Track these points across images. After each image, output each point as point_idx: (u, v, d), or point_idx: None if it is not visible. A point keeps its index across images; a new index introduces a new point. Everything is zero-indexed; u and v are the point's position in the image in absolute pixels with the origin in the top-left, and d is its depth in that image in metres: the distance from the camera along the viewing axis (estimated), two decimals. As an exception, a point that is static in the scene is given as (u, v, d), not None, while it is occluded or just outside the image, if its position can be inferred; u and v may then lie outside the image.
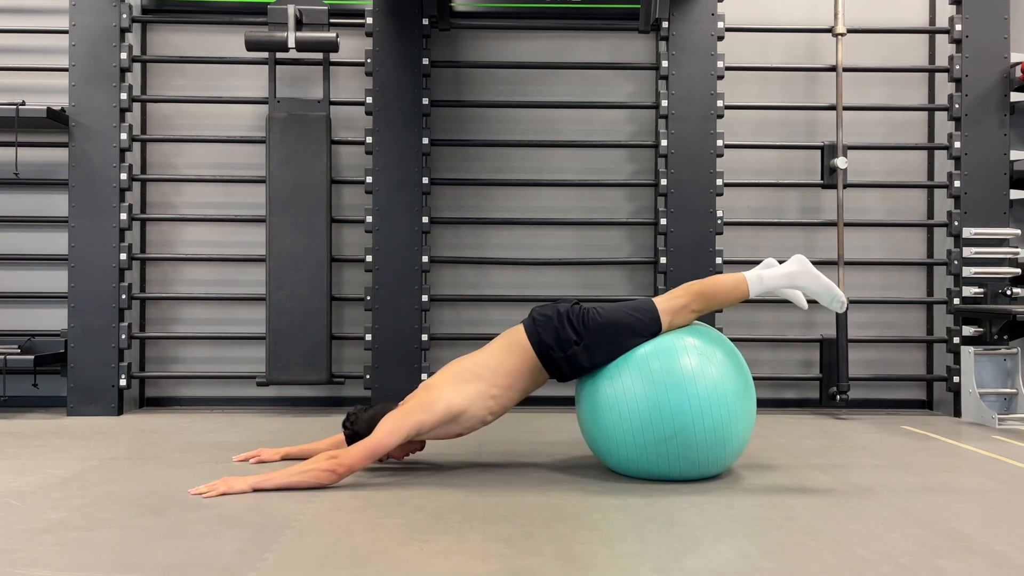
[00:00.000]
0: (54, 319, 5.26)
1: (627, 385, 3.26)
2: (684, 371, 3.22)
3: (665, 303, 3.38)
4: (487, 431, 4.45)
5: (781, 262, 3.56)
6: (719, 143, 5.09)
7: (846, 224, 5.32)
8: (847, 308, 3.55)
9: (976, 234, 5.08)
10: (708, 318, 5.03)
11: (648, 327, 3.33)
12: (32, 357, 4.84)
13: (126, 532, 2.65)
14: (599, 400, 3.33)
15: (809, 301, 3.62)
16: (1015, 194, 5.14)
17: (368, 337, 5.05)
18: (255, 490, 3.12)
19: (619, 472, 3.43)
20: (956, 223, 5.12)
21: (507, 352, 3.38)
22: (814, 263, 5.37)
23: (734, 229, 5.40)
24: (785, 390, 5.49)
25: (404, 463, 3.64)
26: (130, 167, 5.07)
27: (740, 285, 3.41)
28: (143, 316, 5.44)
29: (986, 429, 4.68)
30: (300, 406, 5.37)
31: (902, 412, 5.34)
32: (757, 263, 5.41)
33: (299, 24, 5.08)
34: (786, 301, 5.42)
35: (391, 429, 3.22)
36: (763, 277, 3.44)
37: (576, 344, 3.32)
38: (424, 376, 5.04)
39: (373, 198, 5.08)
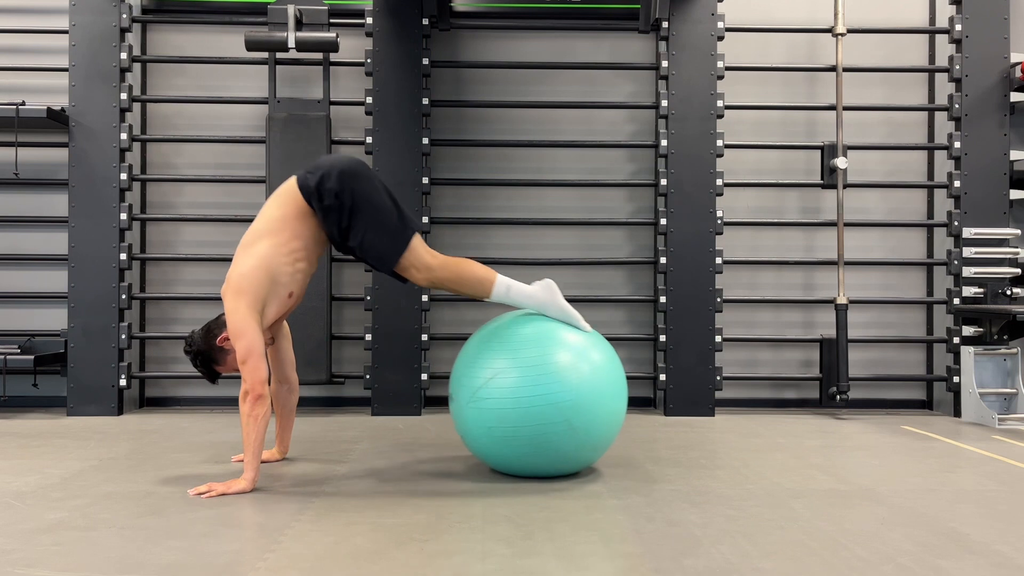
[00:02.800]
0: (54, 319, 5.26)
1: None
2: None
3: (420, 247, 3.35)
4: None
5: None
6: (719, 143, 5.09)
7: (846, 224, 5.32)
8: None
9: (976, 234, 5.08)
10: (708, 315, 5.04)
11: (395, 239, 3.30)
12: (32, 357, 4.84)
13: (126, 532, 2.65)
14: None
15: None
16: (1015, 194, 5.14)
17: (368, 337, 5.05)
18: (254, 487, 3.13)
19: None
20: (956, 223, 5.12)
21: (280, 201, 3.35)
22: (814, 263, 5.44)
23: (734, 229, 5.40)
24: (785, 390, 5.49)
25: (403, 462, 3.64)
26: (130, 167, 5.07)
27: (486, 284, 3.38)
28: (143, 316, 5.44)
29: (986, 429, 4.68)
30: (300, 406, 5.33)
31: (902, 412, 5.34)
32: (757, 263, 5.47)
33: (299, 24, 5.09)
34: (785, 301, 5.47)
35: (239, 328, 3.17)
36: (511, 287, 3.38)
37: (336, 198, 3.26)
38: (424, 376, 5.05)
39: (373, 198, 5.08)
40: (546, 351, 3.22)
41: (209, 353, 3.41)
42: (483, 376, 3.22)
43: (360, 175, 3.32)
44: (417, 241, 3.37)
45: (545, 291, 3.38)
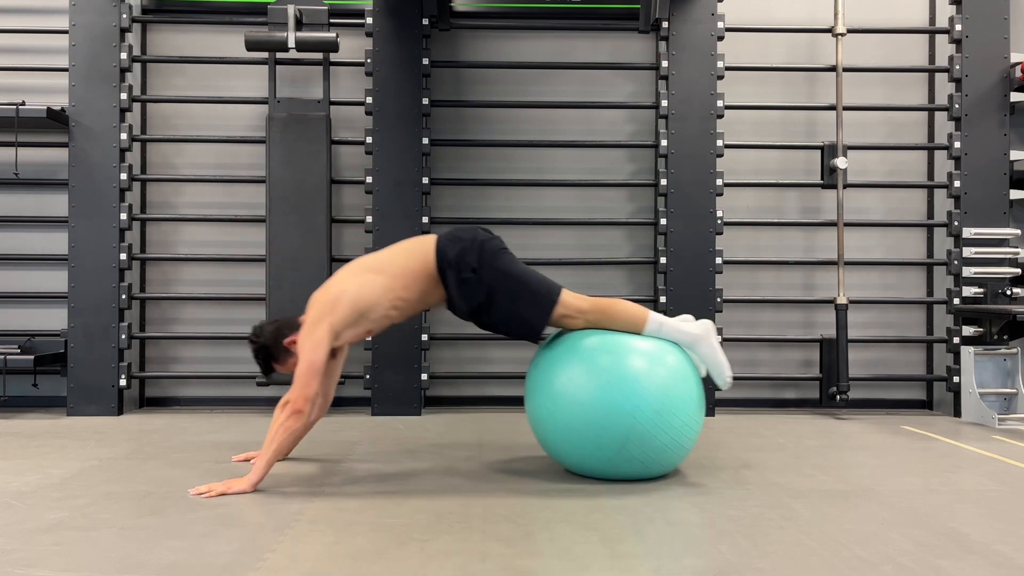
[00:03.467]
0: (54, 319, 5.26)
1: (578, 377, 3.24)
2: (633, 371, 3.20)
3: (569, 297, 3.36)
4: (487, 431, 4.46)
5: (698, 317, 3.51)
6: (719, 143, 5.09)
7: (846, 224, 5.32)
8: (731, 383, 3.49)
9: (976, 234, 5.08)
10: (708, 315, 5.04)
11: (543, 304, 3.31)
12: (32, 357, 4.84)
13: (126, 532, 2.65)
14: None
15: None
16: (1015, 194, 5.14)
17: (368, 337, 5.04)
18: (255, 488, 3.13)
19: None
20: (956, 223, 5.12)
21: (410, 255, 3.36)
22: (814, 263, 5.44)
23: (734, 229, 5.40)
24: (785, 390, 5.49)
25: (402, 462, 3.64)
26: (130, 167, 5.07)
27: (639, 322, 3.36)
28: (143, 316, 5.44)
29: (986, 429, 4.68)
30: (300, 406, 5.36)
31: (902, 412, 5.34)
32: (757, 263, 5.47)
33: (299, 24, 5.08)
34: (785, 301, 5.47)
35: (312, 344, 3.20)
36: (663, 324, 3.38)
37: (473, 272, 3.29)
38: (424, 376, 5.05)
39: (373, 198, 5.08)
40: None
41: (273, 350, 3.43)
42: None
43: (499, 251, 3.35)
44: (565, 294, 3.36)
45: (702, 328, 3.39)
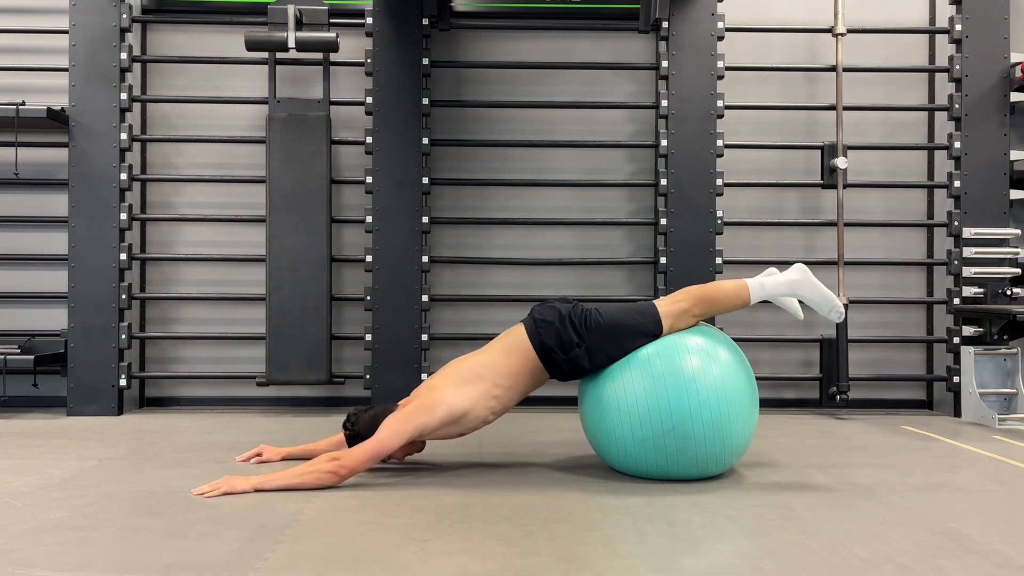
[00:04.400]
0: (54, 319, 5.26)
1: (629, 383, 3.27)
2: (686, 370, 3.23)
3: (666, 306, 3.39)
4: (487, 431, 4.46)
5: (782, 270, 3.57)
6: (719, 143, 5.09)
7: (846, 224, 5.32)
8: (845, 315, 3.55)
9: (976, 234, 5.08)
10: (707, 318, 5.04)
11: (649, 329, 3.34)
12: (32, 357, 4.84)
13: (126, 532, 2.65)
14: (602, 399, 3.34)
15: (806, 309, 3.61)
16: (1015, 194, 5.14)
17: (368, 337, 5.05)
18: (257, 490, 3.13)
19: (619, 470, 3.44)
20: (956, 223, 5.12)
21: (508, 353, 3.39)
22: (814, 263, 5.43)
23: (734, 229, 5.40)
24: (785, 390, 5.49)
25: (404, 463, 3.64)
26: (130, 167, 5.07)
27: (742, 292, 3.43)
28: (143, 316, 5.44)
29: (986, 429, 4.68)
30: (300, 406, 5.37)
31: (902, 412, 5.34)
32: (757, 263, 5.46)
33: (299, 24, 5.09)
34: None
35: (394, 431, 3.22)
36: (764, 284, 3.45)
37: (578, 347, 3.33)
38: (424, 376, 5.04)
39: (373, 198, 5.08)
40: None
41: (366, 436, 3.34)
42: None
43: (587, 314, 3.37)
44: (661, 306, 3.37)
45: (801, 272, 3.47)
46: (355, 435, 3.41)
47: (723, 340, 3.42)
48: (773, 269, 3.57)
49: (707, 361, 3.27)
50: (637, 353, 3.31)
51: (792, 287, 3.46)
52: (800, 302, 3.66)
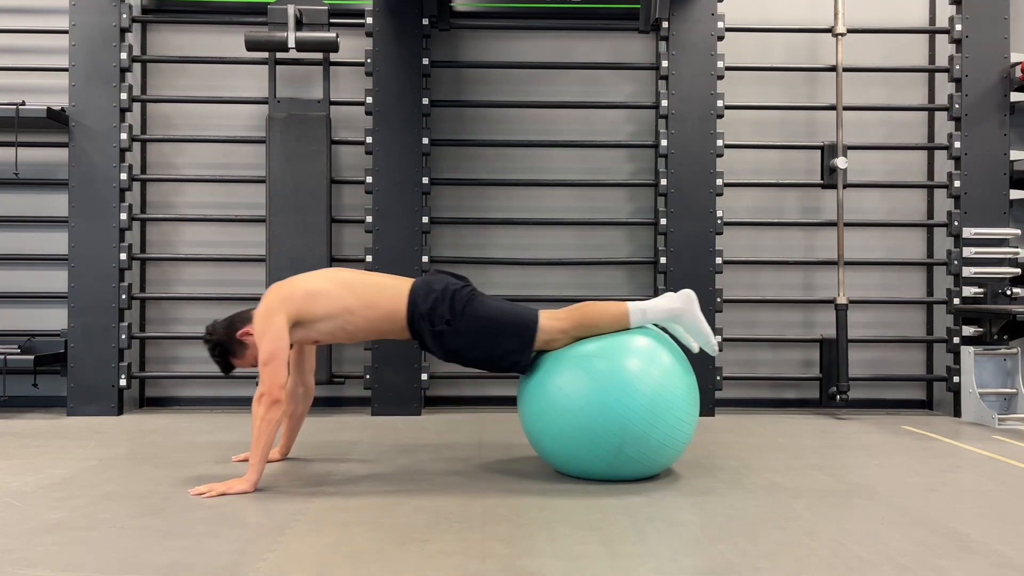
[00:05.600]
0: (54, 319, 5.26)
1: (567, 383, 3.24)
2: (626, 372, 3.20)
3: (547, 320, 3.34)
4: (486, 431, 4.46)
5: (676, 290, 3.52)
6: (719, 143, 5.09)
7: (846, 224, 5.32)
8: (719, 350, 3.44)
9: (976, 234, 5.08)
10: (708, 315, 5.04)
11: (522, 336, 3.31)
12: (32, 357, 4.84)
13: (126, 532, 2.65)
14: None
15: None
16: (1015, 194, 5.14)
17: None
18: (255, 486, 3.13)
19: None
20: (956, 223, 5.12)
21: (384, 291, 3.35)
22: (814, 263, 5.44)
23: (734, 229, 5.40)
24: (785, 390, 5.49)
25: (403, 462, 3.64)
26: (130, 167, 5.07)
27: (622, 318, 3.36)
28: (143, 316, 5.44)
29: (986, 429, 4.68)
30: (300, 406, 5.36)
31: (902, 412, 5.34)
32: (757, 263, 5.47)
33: (299, 24, 5.08)
34: (785, 301, 5.47)
35: (272, 334, 3.19)
36: (646, 310, 3.38)
37: (447, 324, 3.29)
38: (424, 376, 5.05)
39: (373, 198, 5.08)
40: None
41: (228, 345, 3.40)
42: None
43: (471, 298, 3.35)
44: (543, 319, 3.35)
45: (685, 301, 3.40)
46: (216, 343, 3.41)
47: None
48: (669, 293, 3.48)
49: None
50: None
51: (672, 315, 3.39)
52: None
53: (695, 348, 3.47)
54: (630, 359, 3.25)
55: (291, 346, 3.44)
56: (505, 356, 3.35)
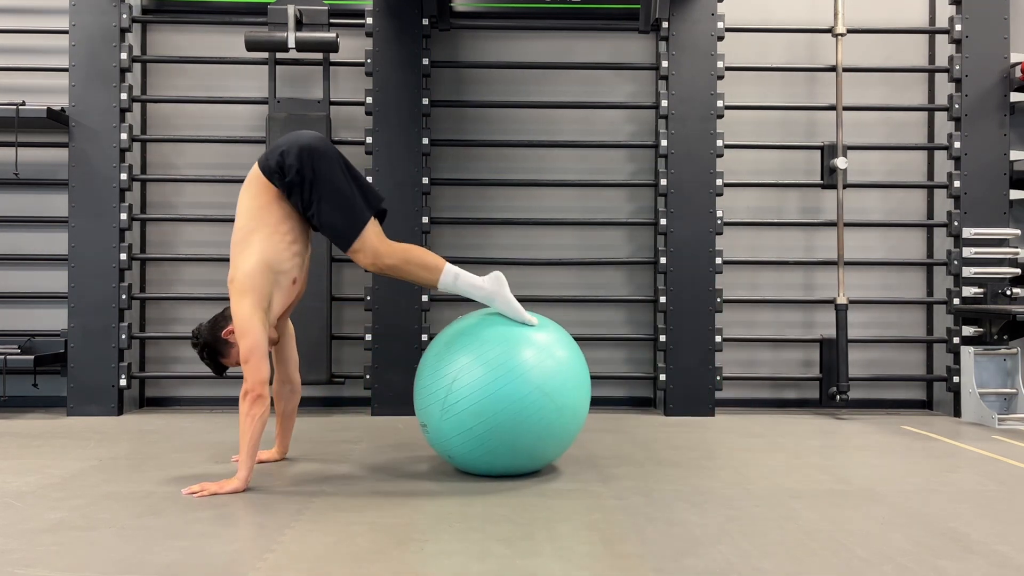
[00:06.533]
0: (54, 319, 5.26)
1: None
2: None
3: (372, 235, 3.33)
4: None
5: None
6: (719, 143, 5.09)
7: (846, 224, 5.32)
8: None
9: (976, 234, 5.08)
10: (708, 315, 5.04)
11: (349, 224, 3.30)
12: (32, 357, 4.84)
13: (126, 532, 2.65)
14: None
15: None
16: (1015, 194, 5.14)
17: (368, 337, 5.05)
18: (247, 485, 3.13)
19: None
20: (956, 223, 5.12)
21: (253, 192, 3.35)
22: (814, 263, 5.44)
23: (734, 229, 5.40)
24: (785, 390, 5.49)
25: (403, 462, 3.64)
26: (130, 167, 5.07)
27: (435, 272, 3.39)
28: (143, 316, 5.44)
29: (986, 429, 4.68)
30: (300, 406, 5.30)
31: (902, 412, 5.34)
32: (757, 263, 5.47)
33: (299, 24, 5.09)
34: (785, 301, 5.47)
35: (244, 326, 3.18)
36: (459, 276, 3.40)
37: (298, 174, 3.26)
38: (424, 376, 5.04)
39: (373, 198, 5.08)
40: (510, 349, 3.24)
41: (215, 346, 3.42)
42: (445, 384, 3.22)
43: (320, 152, 3.32)
44: (370, 226, 3.35)
45: (493, 283, 3.39)
46: (203, 346, 3.42)
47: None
48: (498, 274, 3.45)
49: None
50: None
51: (480, 292, 3.40)
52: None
53: (534, 323, 3.42)
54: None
55: (276, 340, 3.46)
56: (337, 234, 3.32)
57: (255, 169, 3.37)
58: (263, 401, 3.17)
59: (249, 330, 3.17)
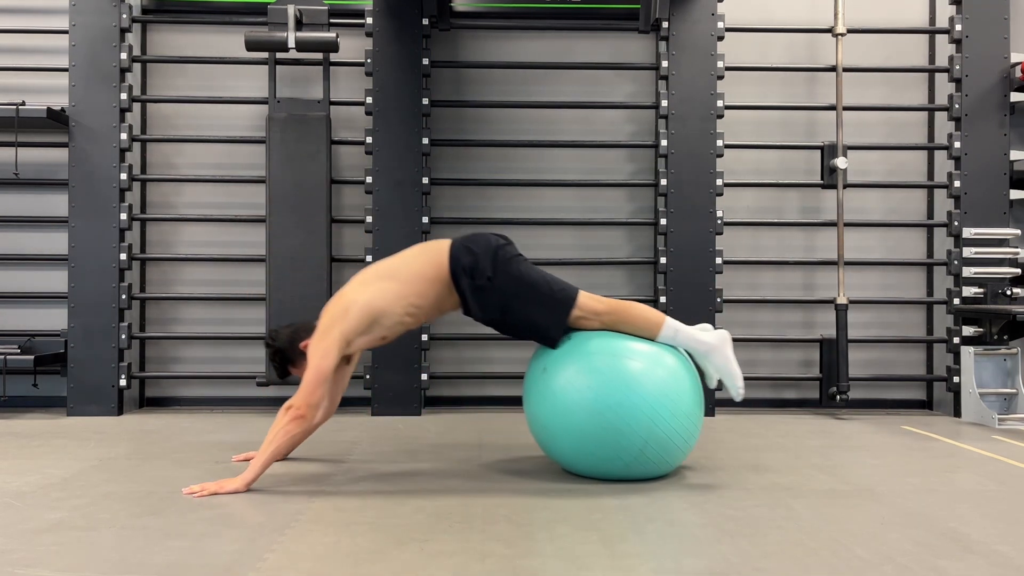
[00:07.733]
0: (54, 319, 5.26)
1: (573, 378, 3.24)
2: (629, 370, 3.22)
3: (585, 300, 3.36)
4: (487, 431, 4.46)
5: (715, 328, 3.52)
6: (719, 143, 5.09)
7: (846, 224, 5.32)
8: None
9: (976, 234, 5.08)
10: (708, 315, 5.04)
11: (557, 307, 3.32)
12: (32, 357, 4.84)
13: (126, 532, 2.65)
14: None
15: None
16: (1015, 194, 5.14)
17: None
18: (248, 487, 3.13)
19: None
20: (956, 223, 5.12)
21: (423, 260, 3.37)
22: (814, 263, 5.44)
23: (734, 229, 5.40)
24: (785, 390, 5.49)
25: (403, 462, 3.64)
26: (130, 167, 5.07)
27: (654, 327, 3.36)
28: (143, 316, 5.44)
29: (986, 429, 4.68)
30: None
31: (902, 412, 5.34)
32: (757, 263, 5.47)
33: (299, 24, 5.08)
34: (785, 301, 5.47)
35: (322, 351, 3.22)
36: (679, 331, 3.38)
37: (488, 280, 3.30)
38: (424, 376, 5.05)
39: (373, 198, 5.08)
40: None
41: (289, 354, 3.49)
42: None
43: (513, 257, 3.36)
44: (582, 296, 3.37)
45: (717, 339, 3.39)
46: (277, 350, 3.48)
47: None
48: (707, 326, 3.48)
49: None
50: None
51: (702, 347, 3.38)
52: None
53: (714, 384, 3.50)
54: (659, 363, 3.27)
55: (348, 359, 3.52)
56: (538, 328, 3.35)
57: (444, 246, 3.35)
58: (303, 423, 3.21)
59: (327, 354, 3.22)
